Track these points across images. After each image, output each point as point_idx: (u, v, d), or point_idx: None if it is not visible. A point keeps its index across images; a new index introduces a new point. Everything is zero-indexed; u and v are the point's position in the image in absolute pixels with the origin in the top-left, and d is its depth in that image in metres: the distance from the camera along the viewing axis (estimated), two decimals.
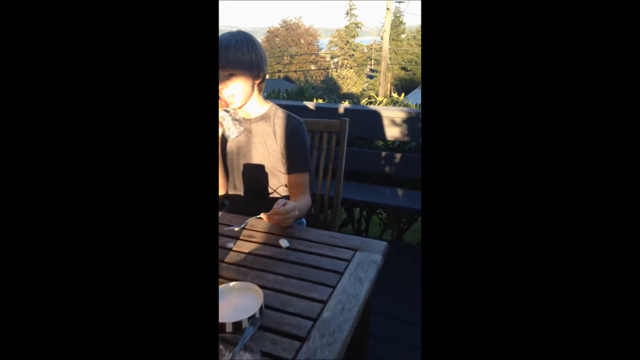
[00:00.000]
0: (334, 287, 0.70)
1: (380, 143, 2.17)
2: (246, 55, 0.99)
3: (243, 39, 1.00)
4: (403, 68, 22.87)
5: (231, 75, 0.99)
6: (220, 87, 1.01)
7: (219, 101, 0.96)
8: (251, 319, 0.60)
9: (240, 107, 1.07)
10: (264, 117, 1.11)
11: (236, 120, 0.97)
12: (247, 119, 1.11)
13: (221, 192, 1.15)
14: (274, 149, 1.11)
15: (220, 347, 0.53)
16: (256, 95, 1.09)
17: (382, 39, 13.79)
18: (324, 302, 0.66)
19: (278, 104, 1.17)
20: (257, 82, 1.05)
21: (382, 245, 0.83)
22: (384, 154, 2.03)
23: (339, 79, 21.28)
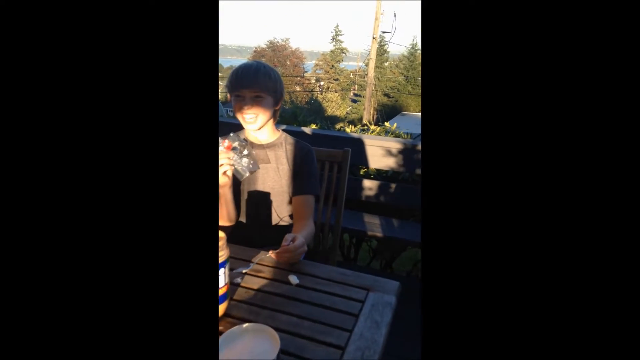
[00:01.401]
0: (350, 332, 0.67)
1: (374, 171, 2.18)
2: (272, 81, 1.03)
3: (270, 68, 1.05)
4: (386, 94, 23.53)
5: (258, 97, 1.01)
6: (245, 107, 1.01)
7: (223, 144, 0.90)
8: None
9: (259, 129, 1.08)
10: (276, 144, 1.12)
11: (245, 155, 0.93)
12: (260, 144, 1.12)
13: (230, 222, 1.08)
14: (286, 173, 1.11)
15: None
16: (271, 122, 1.11)
17: (367, 65, 14.21)
18: (342, 349, 0.63)
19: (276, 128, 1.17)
20: (276, 108, 1.08)
21: (394, 285, 0.81)
22: (377, 183, 2.05)
23: (323, 102, 21.64)
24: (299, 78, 25.46)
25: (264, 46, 25.56)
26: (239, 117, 1.04)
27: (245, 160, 0.93)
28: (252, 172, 0.94)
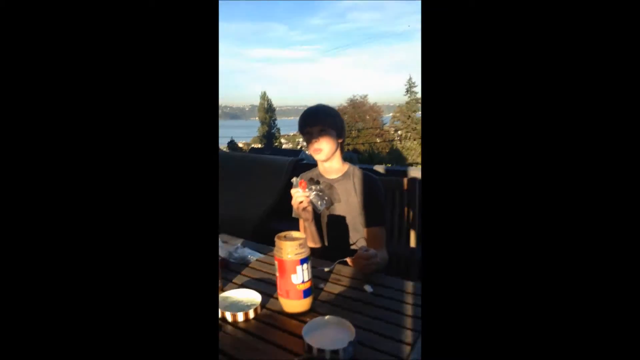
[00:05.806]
0: (420, 332, 0.72)
1: None
2: (333, 117, 1.23)
3: (329, 107, 1.27)
4: None
5: (322, 131, 1.20)
6: (313, 140, 1.20)
7: (300, 183, 1.11)
8: (346, 349, 0.65)
9: (325, 161, 1.23)
10: (345, 176, 1.25)
11: (320, 193, 1.12)
12: (331, 178, 1.26)
13: (316, 244, 1.25)
14: (355, 205, 1.22)
15: None
16: (338, 154, 1.26)
17: None
18: (411, 345, 0.69)
19: None
20: (339, 141, 1.24)
21: None
22: None
23: (403, 150, 21.65)
24: (378, 130, 26.12)
25: (345, 104, 27.22)
26: (310, 151, 1.24)
27: (319, 197, 1.12)
28: (327, 207, 1.13)
